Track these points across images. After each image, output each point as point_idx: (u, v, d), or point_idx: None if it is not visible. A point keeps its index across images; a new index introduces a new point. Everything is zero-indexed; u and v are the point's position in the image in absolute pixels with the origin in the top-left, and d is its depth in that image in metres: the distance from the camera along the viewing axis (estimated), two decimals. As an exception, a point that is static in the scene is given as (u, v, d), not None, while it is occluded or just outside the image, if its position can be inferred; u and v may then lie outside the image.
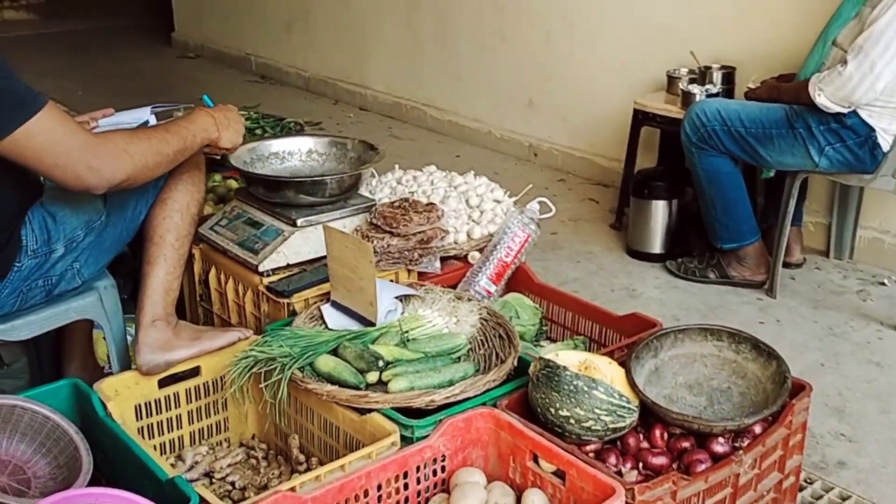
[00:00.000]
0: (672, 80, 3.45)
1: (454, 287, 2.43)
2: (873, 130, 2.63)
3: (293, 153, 2.59)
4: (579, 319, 2.39)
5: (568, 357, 1.91)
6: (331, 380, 1.90)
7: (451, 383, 1.87)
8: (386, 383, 1.89)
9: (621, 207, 3.55)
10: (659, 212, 3.24)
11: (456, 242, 2.52)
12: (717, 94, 3.22)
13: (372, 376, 1.91)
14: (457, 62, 4.70)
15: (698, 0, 3.60)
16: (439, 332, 2.10)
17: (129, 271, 2.66)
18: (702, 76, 3.34)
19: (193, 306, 2.55)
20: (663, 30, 3.69)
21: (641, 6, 3.78)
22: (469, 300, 2.20)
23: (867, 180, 2.73)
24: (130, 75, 6.10)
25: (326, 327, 2.10)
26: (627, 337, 2.24)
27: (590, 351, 2.36)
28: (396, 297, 2.16)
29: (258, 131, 3.43)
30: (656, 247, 3.27)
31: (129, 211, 2.02)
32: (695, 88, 3.27)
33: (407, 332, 2.07)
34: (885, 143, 2.64)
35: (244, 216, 2.41)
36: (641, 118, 3.44)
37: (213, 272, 2.42)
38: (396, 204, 2.42)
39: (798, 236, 3.20)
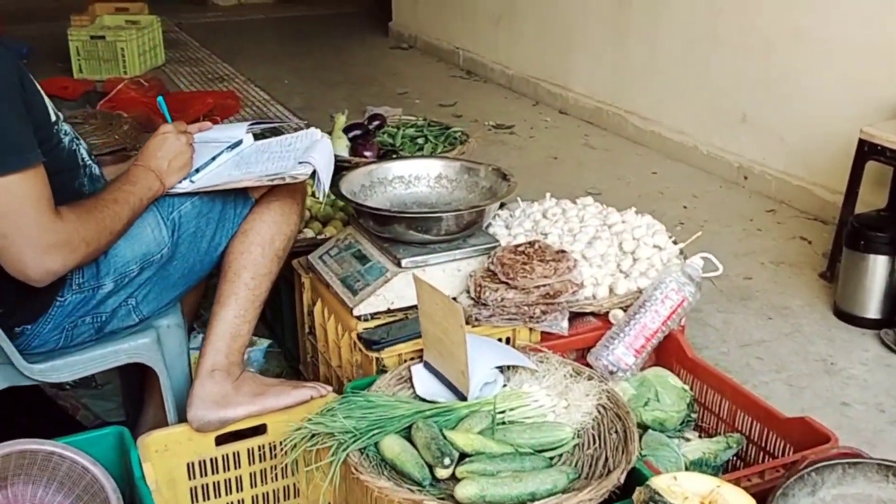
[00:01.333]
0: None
1: (587, 351, 2.04)
2: None
3: (420, 178, 2.29)
4: (737, 411, 1.92)
5: (690, 483, 1.48)
6: (394, 467, 1.58)
7: (533, 498, 1.49)
8: (459, 479, 1.55)
9: (835, 254, 2.94)
10: (877, 268, 2.63)
11: (594, 297, 2.11)
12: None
13: (442, 471, 1.57)
14: (665, 68, 4.19)
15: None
16: (542, 417, 1.72)
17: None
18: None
19: (302, 337, 2.33)
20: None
21: (882, 17, 3.12)
22: (589, 379, 1.80)
23: None
24: (339, 64, 6.07)
25: (414, 393, 1.79)
26: (794, 444, 1.77)
27: (746, 455, 1.89)
28: (499, 367, 1.81)
29: (420, 140, 3.15)
30: (871, 311, 2.66)
31: (205, 242, 1.80)
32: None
33: (503, 412, 1.72)
34: None
35: (354, 248, 2.14)
36: (868, 150, 2.81)
37: (319, 305, 2.17)
38: (521, 249, 2.05)
39: None
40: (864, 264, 2.64)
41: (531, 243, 2.08)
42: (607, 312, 2.11)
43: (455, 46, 6.02)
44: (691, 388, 2.01)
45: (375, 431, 1.64)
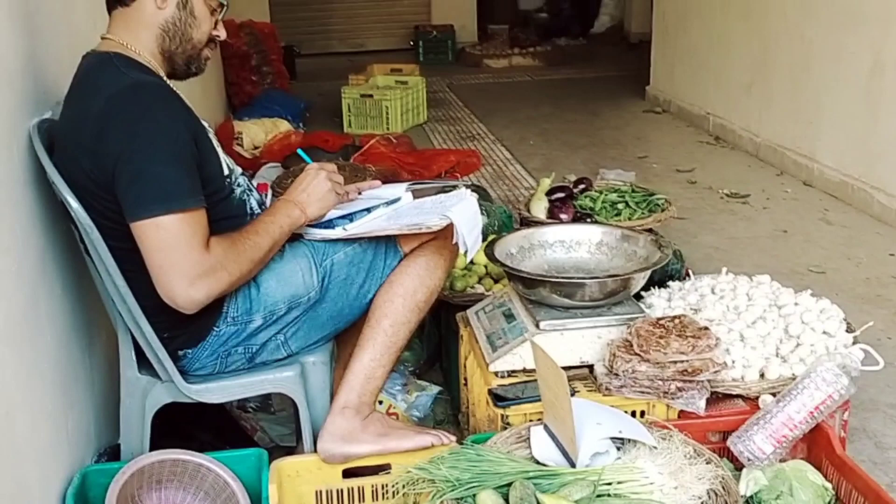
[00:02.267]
0: None
1: (729, 434, 1.97)
2: None
3: (581, 243, 2.34)
4: (881, 519, 1.76)
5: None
6: (484, 521, 1.64)
7: (603, 570, 1.49)
8: (541, 542, 1.58)
9: None
10: None
11: (742, 379, 2.04)
12: None
13: (527, 532, 1.60)
14: (918, 141, 3.88)
15: None
16: (648, 494, 1.70)
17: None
18: None
19: (461, 388, 2.44)
20: None
21: None
22: (707, 462, 1.75)
23: None
24: (588, 127, 6.17)
25: (531, 453, 1.84)
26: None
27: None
28: (616, 438, 1.81)
29: (620, 205, 3.17)
30: None
31: (355, 289, 1.98)
32: None
33: (609, 483, 1.72)
34: None
35: (505, 306, 2.23)
36: None
37: (470, 358, 2.27)
38: (661, 322, 2.03)
39: None
40: None
41: (675, 317, 2.05)
42: (757, 396, 2.03)
43: (706, 112, 5.92)
44: (836, 488, 1.87)
45: (475, 484, 1.71)
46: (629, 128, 6.20)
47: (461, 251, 1.97)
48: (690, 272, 2.75)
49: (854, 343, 2.14)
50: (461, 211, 1.97)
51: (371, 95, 6.12)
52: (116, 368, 1.99)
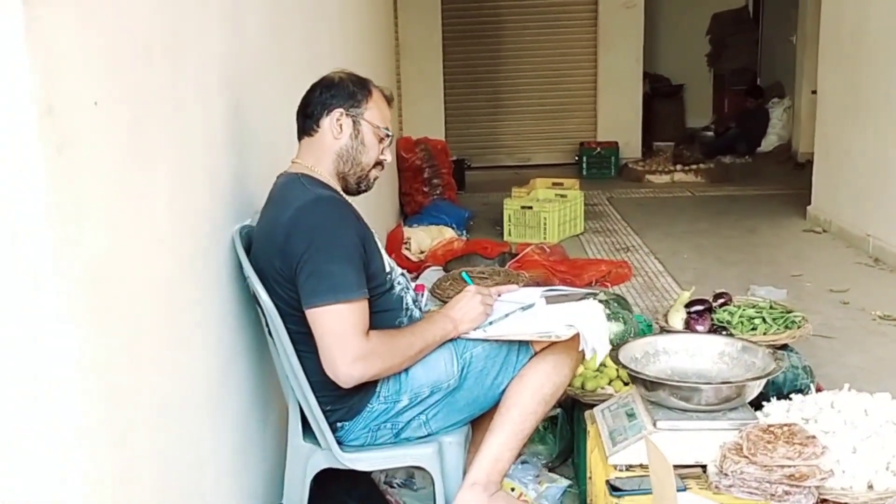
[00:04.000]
0: None
1: (837, 540, 2.07)
2: None
3: (704, 353, 2.51)
4: None
5: None
6: None
7: None
8: None
9: None
10: None
11: (850, 489, 2.14)
12: None
13: None
14: None
15: None
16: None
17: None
18: None
19: (585, 482, 2.63)
20: None
21: None
22: (806, 560, 1.88)
23: None
24: (744, 244, 6.25)
25: (642, 541, 2.02)
26: None
27: None
28: (718, 532, 1.96)
29: (756, 320, 3.31)
30: None
31: (489, 380, 2.26)
32: None
33: (708, 574, 1.88)
34: None
35: (629, 406, 2.43)
36: None
37: (595, 453, 2.48)
38: (772, 428, 2.18)
39: None
40: None
41: (784, 425, 2.19)
42: (865, 507, 2.12)
43: (866, 233, 5.88)
44: None
45: (584, 561, 1.91)
46: (786, 246, 6.23)
47: (587, 356, 2.22)
48: (822, 389, 2.84)
49: (970, 463, 2.19)
50: (588, 320, 2.23)
51: (531, 207, 6.49)
52: (285, 439, 2.35)
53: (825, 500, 2.16)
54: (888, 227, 5.62)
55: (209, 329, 2.02)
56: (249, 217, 2.33)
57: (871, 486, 2.14)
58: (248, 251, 2.19)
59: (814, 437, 2.15)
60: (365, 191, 2.34)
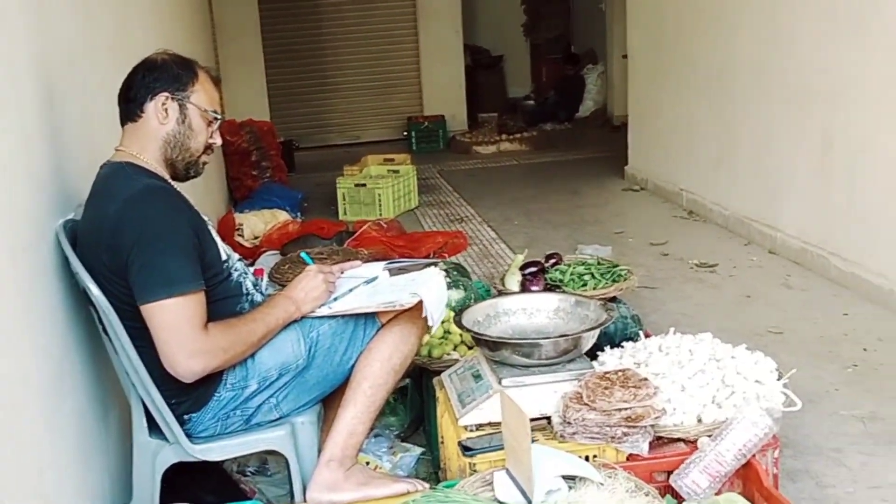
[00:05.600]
0: None
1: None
2: None
3: (541, 310, 2.63)
4: (801, 541, 2.01)
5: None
6: (451, 552, 1.89)
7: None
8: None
9: None
10: None
11: (682, 424, 2.30)
12: None
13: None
14: (866, 211, 4.19)
15: None
16: (593, 523, 1.96)
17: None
18: None
19: (439, 446, 2.70)
20: None
21: None
22: (646, 495, 2.01)
23: None
24: (570, 206, 6.52)
25: (495, 496, 2.09)
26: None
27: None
28: (567, 477, 2.06)
29: (586, 276, 3.47)
30: None
31: (338, 356, 2.27)
32: None
33: (560, 515, 1.97)
34: None
35: (475, 368, 2.51)
36: None
37: (445, 417, 2.54)
38: (608, 375, 2.31)
39: None
40: None
41: (619, 371, 2.33)
42: (696, 439, 2.29)
43: (679, 188, 6.27)
44: (764, 517, 2.12)
45: (442, 520, 1.97)
46: (608, 206, 6.55)
47: (429, 323, 2.27)
48: (650, 335, 3.03)
49: (786, 386, 2.41)
50: (430, 288, 2.27)
51: (364, 184, 6.50)
52: (129, 436, 2.27)
53: (660, 437, 2.31)
54: (698, 182, 6.01)
55: (38, 329, 1.93)
56: (73, 211, 2.22)
57: (700, 420, 2.31)
58: (73, 246, 2.09)
59: (646, 379, 2.30)
60: (194, 176, 2.28)
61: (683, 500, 2.17)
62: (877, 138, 4.09)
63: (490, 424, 2.34)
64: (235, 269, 2.24)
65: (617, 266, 3.56)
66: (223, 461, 2.45)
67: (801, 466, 2.72)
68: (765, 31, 5.01)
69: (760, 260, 4.88)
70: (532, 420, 2.34)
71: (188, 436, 2.15)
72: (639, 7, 6.98)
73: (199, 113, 2.19)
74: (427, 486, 2.21)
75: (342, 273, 2.42)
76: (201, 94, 2.20)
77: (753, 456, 2.21)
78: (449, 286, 3.29)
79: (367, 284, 2.37)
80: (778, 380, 2.44)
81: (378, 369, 2.24)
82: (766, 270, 4.70)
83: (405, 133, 9.90)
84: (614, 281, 3.45)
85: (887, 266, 4.04)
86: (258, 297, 2.29)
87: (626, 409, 2.22)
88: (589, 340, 2.43)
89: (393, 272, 2.42)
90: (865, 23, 4.11)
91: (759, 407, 2.21)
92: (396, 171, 6.85)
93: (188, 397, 2.12)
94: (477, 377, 2.45)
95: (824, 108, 4.50)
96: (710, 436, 2.26)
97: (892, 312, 3.91)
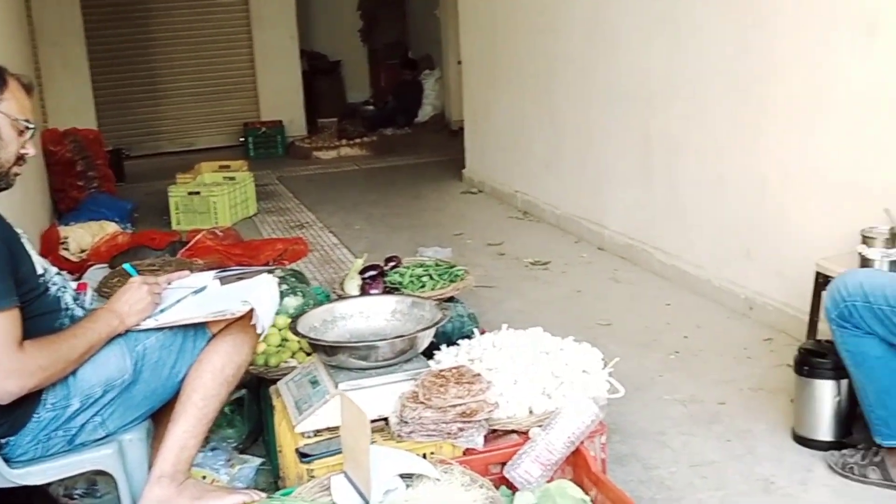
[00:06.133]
0: (868, 240, 2.95)
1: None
2: None
3: (379, 312, 2.65)
4: (630, 521, 2.11)
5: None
6: (288, 559, 1.88)
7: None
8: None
9: (807, 381, 3.07)
10: (825, 393, 2.76)
11: (515, 416, 2.38)
12: (906, 259, 2.74)
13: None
14: (683, 206, 4.46)
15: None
16: (430, 519, 1.99)
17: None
18: (892, 238, 2.84)
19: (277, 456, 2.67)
20: (885, 184, 3.21)
21: (864, 157, 3.32)
22: (481, 487, 2.06)
23: None
24: (411, 210, 6.58)
25: (332, 500, 2.09)
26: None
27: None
28: (404, 475, 2.09)
29: (424, 278, 3.52)
30: (823, 433, 2.78)
31: (166, 370, 2.20)
32: (874, 253, 2.79)
33: (398, 514, 2.00)
34: None
35: (312, 374, 2.50)
36: (823, 281, 2.99)
37: (283, 425, 2.52)
38: (443, 372, 2.35)
39: None
40: (811, 390, 2.78)
41: (454, 368, 2.38)
42: (528, 430, 2.37)
43: (514, 190, 6.45)
44: (594, 500, 2.21)
45: (279, 528, 1.95)
46: (448, 208, 6.66)
47: (258, 331, 2.25)
48: (486, 332, 3.10)
49: (611, 374, 2.53)
50: (261, 295, 2.24)
51: (198, 192, 6.33)
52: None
53: (495, 430, 2.38)
54: (531, 183, 6.21)
55: None
56: None
57: (531, 411, 2.39)
58: None
59: (479, 374, 2.36)
60: (5, 188, 2.15)
61: (517, 490, 2.25)
62: (689, 138, 4.36)
63: (328, 430, 2.34)
64: (53, 284, 2.14)
65: (454, 267, 3.63)
66: (48, 485, 2.32)
67: (628, 450, 2.86)
68: (589, 36, 5.23)
69: (590, 256, 5.10)
70: (372, 421, 2.36)
71: (6, 460, 2.04)
72: (470, 13, 7.13)
73: (10, 122, 2.08)
74: (263, 494, 2.18)
75: (169, 284, 2.35)
76: (11, 103, 2.09)
77: (582, 443, 2.32)
78: (287, 293, 3.27)
79: (195, 294, 2.31)
80: (603, 369, 2.56)
81: (210, 381, 2.20)
82: (596, 266, 4.91)
83: (242, 139, 9.70)
84: (452, 281, 3.51)
85: (704, 258, 4.31)
86: (79, 312, 2.20)
87: (460, 404, 2.27)
88: (425, 340, 2.47)
89: (224, 281, 2.38)
90: (678, 28, 4.37)
91: (585, 396, 2.32)
92: (232, 178, 6.71)
93: (4, 420, 2.01)
94: (314, 383, 2.44)
95: (644, 110, 4.75)
96: (541, 426, 2.35)
97: (710, 301, 4.17)
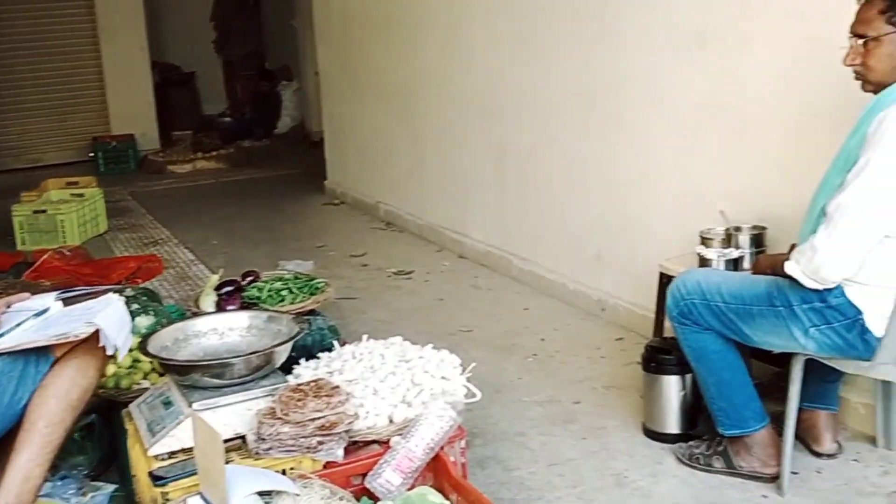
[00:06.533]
0: (706, 241, 3.13)
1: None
2: (861, 312, 2.23)
3: (234, 328, 2.60)
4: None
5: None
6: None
7: None
8: None
9: (656, 377, 3.21)
10: (671, 388, 2.90)
11: (375, 426, 2.39)
12: (739, 259, 2.93)
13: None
14: (537, 212, 4.59)
15: (743, 162, 3.30)
16: (290, 535, 1.97)
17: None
18: (727, 238, 3.02)
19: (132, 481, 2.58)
20: (720, 187, 3.40)
21: (700, 162, 3.51)
22: (341, 499, 2.06)
23: (865, 367, 2.29)
24: (270, 223, 6.49)
25: (190, 521, 2.04)
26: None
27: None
28: (262, 493, 2.06)
29: (284, 292, 3.48)
30: (671, 426, 2.92)
31: (7, 397, 2.10)
32: (711, 253, 2.96)
33: (256, 532, 1.97)
34: (876, 327, 2.22)
35: (164, 395, 2.43)
36: (666, 281, 3.13)
37: (136, 449, 2.43)
38: (301, 387, 2.34)
39: (831, 422, 2.74)
40: (658, 385, 2.91)
41: (312, 381, 2.37)
42: (389, 439, 2.38)
43: (377, 200, 6.47)
44: (455, 504, 2.25)
45: (132, 555, 1.89)
46: (309, 221, 6.61)
47: (109, 353, 2.17)
48: (347, 344, 3.10)
49: (470, 379, 2.57)
50: (108, 315, 2.17)
51: (44, 211, 6.04)
52: None
53: (356, 442, 2.38)
54: (393, 194, 6.24)
55: None
56: None
57: (391, 420, 2.41)
58: None
59: (338, 386, 2.35)
60: None
61: (379, 499, 2.26)
62: (542, 148, 4.49)
63: (183, 451, 2.28)
64: None
65: (314, 279, 3.61)
66: None
67: (489, 453, 2.92)
68: (444, 50, 5.32)
69: (452, 265, 5.17)
70: (227, 440, 2.32)
71: None
72: (325, 24, 7.12)
73: None
74: (117, 522, 2.10)
75: (9, 307, 2.24)
76: None
77: (442, 448, 2.35)
78: (138, 312, 3.17)
79: (37, 317, 2.21)
80: (461, 374, 2.60)
81: (54, 406, 2.10)
82: (457, 274, 4.98)
83: (91, 154, 9.32)
84: (312, 294, 3.49)
85: (558, 262, 4.45)
86: None
87: (319, 418, 2.26)
88: (282, 355, 2.44)
89: (67, 302, 2.28)
90: (528, 43, 4.50)
91: (443, 402, 2.35)
92: (81, 195, 6.43)
93: None
94: (167, 404, 2.38)
95: (498, 122, 4.86)
96: (401, 434, 2.36)
97: (565, 304, 4.31)
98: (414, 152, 5.88)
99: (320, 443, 2.26)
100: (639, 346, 3.69)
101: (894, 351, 2.21)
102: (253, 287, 3.54)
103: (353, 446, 2.37)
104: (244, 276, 3.66)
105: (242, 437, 2.33)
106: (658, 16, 3.64)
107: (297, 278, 3.64)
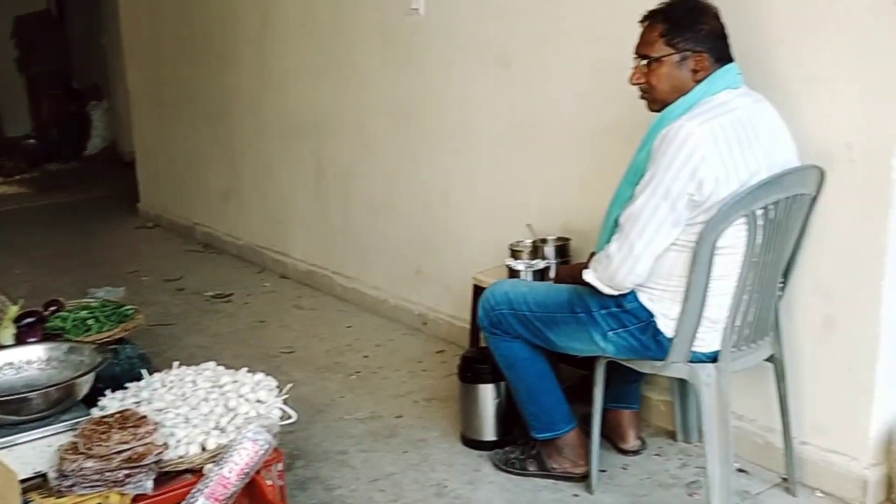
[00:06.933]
0: (515, 253, 3.25)
1: (181, 506, 2.22)
2: (653, 315, 2.38)
3: (32, 362, 2.47)
4: (305, 543, 2.15)
5: None
6: None
7: None
8: None
9: (474, 387, 3.30)
10: (487, 396, 2.99)
11: (187, 455, 2.32)
12: (546, 269, 3.06)
13: None
14: (358, 230, 4.62)
15: (547, 177, 3.45)
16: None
17: None
18: (535, 250, 3.16)
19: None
20: (528, 201, 3.54)
21: (509, 178, 3.64)
22: (149, 531, 1.99)
23: (659, 367, 2.45)
24: (80, 249, 6.19)
25: (-17, 569, 1.91)
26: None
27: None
28: (65, 532, 1.97)
29: (90, 321, 3.32)
30: (488, 434, 3.01)
31: None
32: (519, 264, 3.08)
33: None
34: (667, 328, 2.38)
35: (-45, 437, 2.27)
36: (479, 294, 3.22)
37: (-77, 497, 2.26)
38: (105, 419, 2.25)
39: (634, 420, 2.91)
40: (474, 394, 3.00)
41: (117, 413, 2.28)
42: (202, 467, 2.32)
43: (193, 222, 6.30)
44: (273, 528, 2.22)
45: None
46: (122, 245, 6.35)
47: None
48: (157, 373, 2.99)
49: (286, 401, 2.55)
50: None
51: None
52: None
53: (167, 473, 2.31)
54: (210, 215, 6.10)
55: None
56: None
57: (204, 448, 2.35)
58: None
59: (145, 416, 2.27)
60: None
61: (194, 530, 2.19)
62: (359, 167, 4.52)
63: (-24, 494, 2.13)
64: None
65: (123, 307, 3.47)
66: None
67: (311, 474, 2.90)
68: (258, 72, 5.25)
69: (274, 285, 5.10)
70: (27, 480, 2.20)
71: None
72: (134, 42, 6.88)
73: None
74: None
75: None
76: None
77: (258, 473, 2.31)
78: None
79: None
80: (278, 396, 2.58)
81: None
82: (279, 294, 4.92)
83: None
84: (120, 322, 3.34)
85: (380, 279, 4.49)
86: None
87: (126, 450, 2.17)
88: (84, 387, 2.34)
89: None
90: (341, 67, 4.53)
91: (258, 425, 2.32)
92: None
93: None
94: (-43, 446, 2.22)
95: (315, 140, 4.85)
96: (214, 462, 2.31)
97: (388, 320, 4.35)
98: (231, 172, 5.77)
99: (128, 476, 2.18)
100: (458, 357, 3.78)
101: (684, 351, 2.37)
102: (56, 317, 3.35)
103: (164, 477, 2.29)
104: (46, 305, 3.46)
105: (44, 475, 2.21)
106: (463, 39, 3.76)
107: (104, 306, 3.48)
